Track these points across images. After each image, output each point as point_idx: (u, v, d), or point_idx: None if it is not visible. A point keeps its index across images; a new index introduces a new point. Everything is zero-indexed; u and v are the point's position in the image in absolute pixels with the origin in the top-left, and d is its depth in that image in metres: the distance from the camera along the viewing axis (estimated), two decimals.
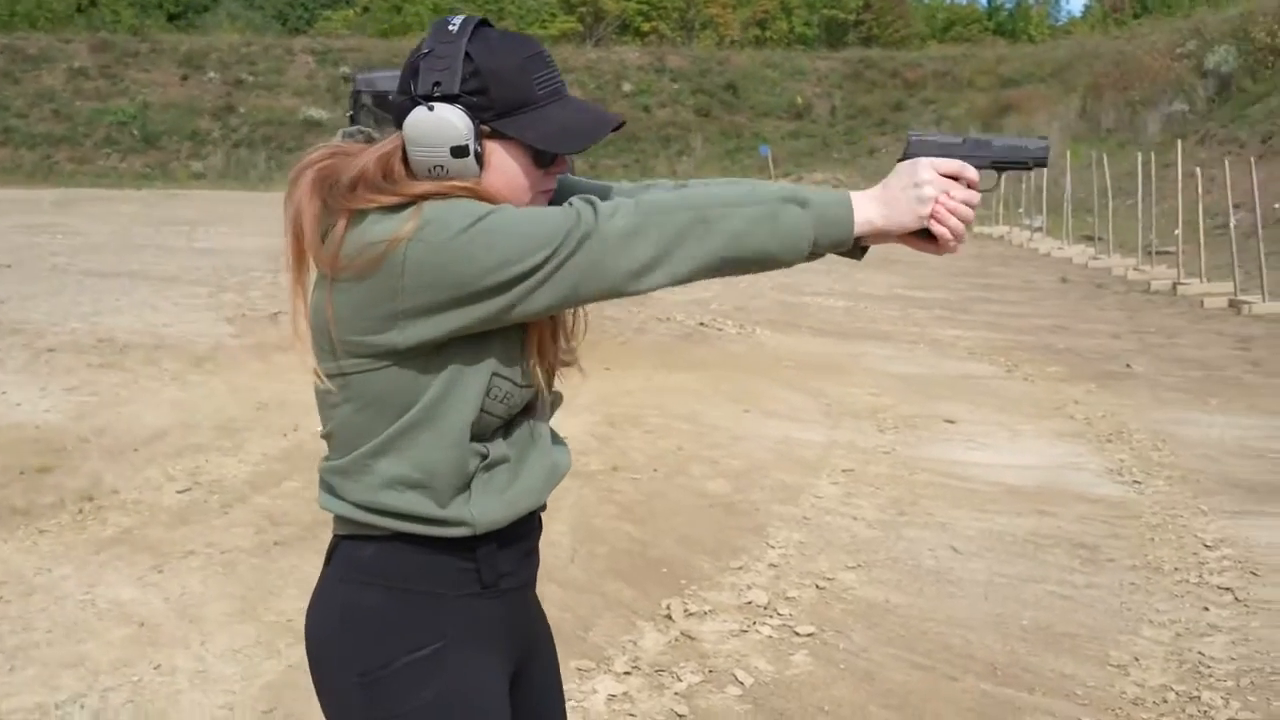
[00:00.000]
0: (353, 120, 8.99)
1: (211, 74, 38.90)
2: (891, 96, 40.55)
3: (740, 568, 4.72)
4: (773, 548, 4.95)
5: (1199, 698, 3.64)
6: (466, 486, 1.61)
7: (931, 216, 1.62)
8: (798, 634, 4.09)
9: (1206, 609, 4.34)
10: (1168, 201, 15.80)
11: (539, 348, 1.65)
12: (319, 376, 1.62)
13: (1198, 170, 13.55)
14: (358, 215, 1.54)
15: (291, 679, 3.72)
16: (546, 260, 1.48)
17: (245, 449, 6.39)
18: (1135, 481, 5.95)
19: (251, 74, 39.20)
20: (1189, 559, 4.86)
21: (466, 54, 1.55)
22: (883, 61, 42.93)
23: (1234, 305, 11.86)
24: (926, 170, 1.61)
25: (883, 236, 1.64)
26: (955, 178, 1.64)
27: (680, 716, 3.54)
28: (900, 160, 1.65)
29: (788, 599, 4.41)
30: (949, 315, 11.53)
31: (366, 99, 8.91)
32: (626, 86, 41.83)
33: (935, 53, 44.50)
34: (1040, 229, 20.16)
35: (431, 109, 1.54)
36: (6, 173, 33.40)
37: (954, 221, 1.63)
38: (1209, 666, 3.86)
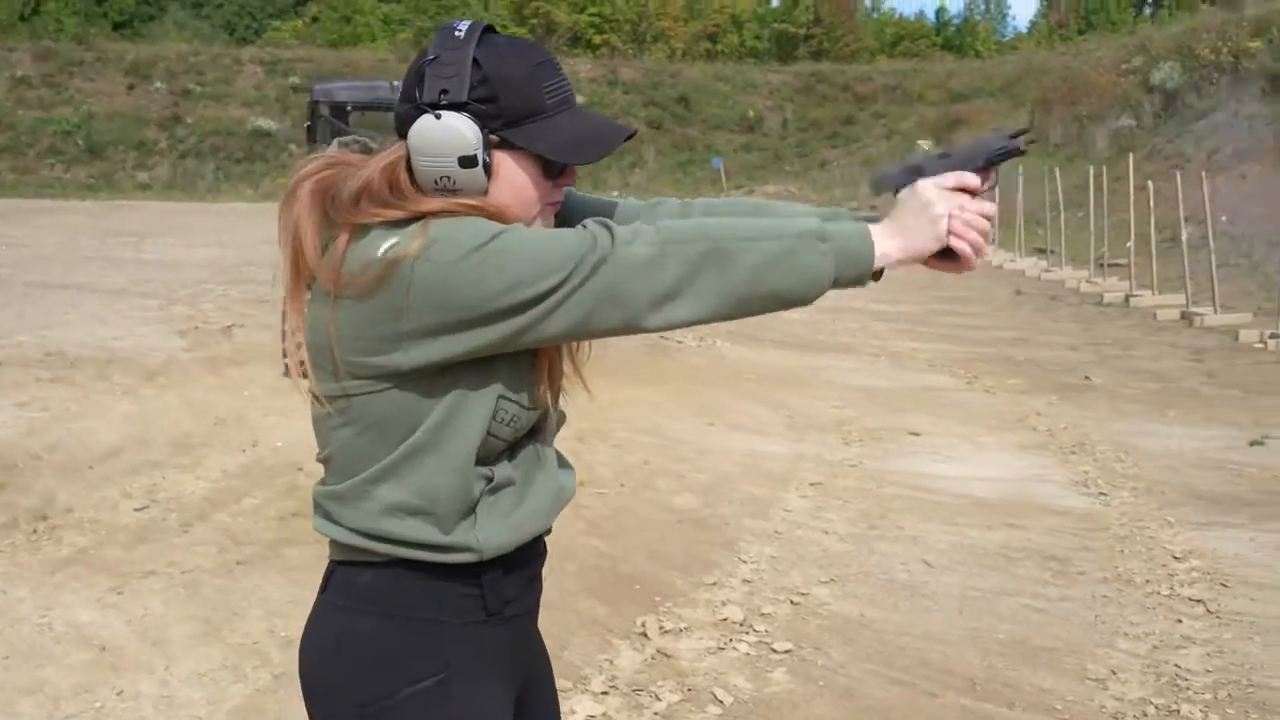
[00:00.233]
0: (309, 131, 8.84)
1: (158, 84, 38.37)
2: (842, 110, 40.82)
3: (714, 583, 4.67)
4: (745, 563, 4.91)
5: (1178, 711, 3.63)
6: (471, 511, 1.54)
7: (950, 233, 1.57)
8: (775, 651, 4.05)
9: (1180, 621, 4.35)
10: (1117, 215, 15.98)
11: (549, 371, 1.59)
12: (318, 399, 1.55)
13: (1149, 184, 13.72)
14: (360, 230, 1.48)
15: (259, 703, 3.62)
16: (561, 284, 1.41)
17: (203, 465, 6.26)
18: (1101, 493, 5.97)
19: (199, 84, 38.71)
20: (1159, 571, 4.88)
21: (475, 61, 1.49)
22: (834, 75, 43.23)
23: (1186, 317, 12.00)
24: (930, 190, 1.56)
25: (904, 264, 1.59)
26: (958, 190, 1.60)
27: None
28: (895, 192, 1.60)
29: (763, 615, 4.36)
30: (908, 328, 11.58)
31: (324, 109, 8.77)
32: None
33: (885, 67, 44.86)
34: (993, 242, 20.31)
35: (439, 117, 1.47)
36: None
37: (973, 235, 1.57)
38: (1186, 679, 3.86)
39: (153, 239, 20.00)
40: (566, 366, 1.65)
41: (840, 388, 8.63)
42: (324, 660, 1.58)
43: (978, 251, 1.59)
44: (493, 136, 1.50)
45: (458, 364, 1.47)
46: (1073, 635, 4.22)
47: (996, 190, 1.62)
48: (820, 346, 9.95)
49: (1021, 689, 3.79)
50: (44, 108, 36.79)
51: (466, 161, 1.48)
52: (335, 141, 1.64)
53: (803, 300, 1.53)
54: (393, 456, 1.51)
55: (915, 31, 62.61)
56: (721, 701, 3.68)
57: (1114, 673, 3.91)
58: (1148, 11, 59.53)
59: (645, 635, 4.15)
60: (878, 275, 1.58)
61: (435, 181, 1.49)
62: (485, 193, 1.52)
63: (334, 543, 1.59)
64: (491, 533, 1.54)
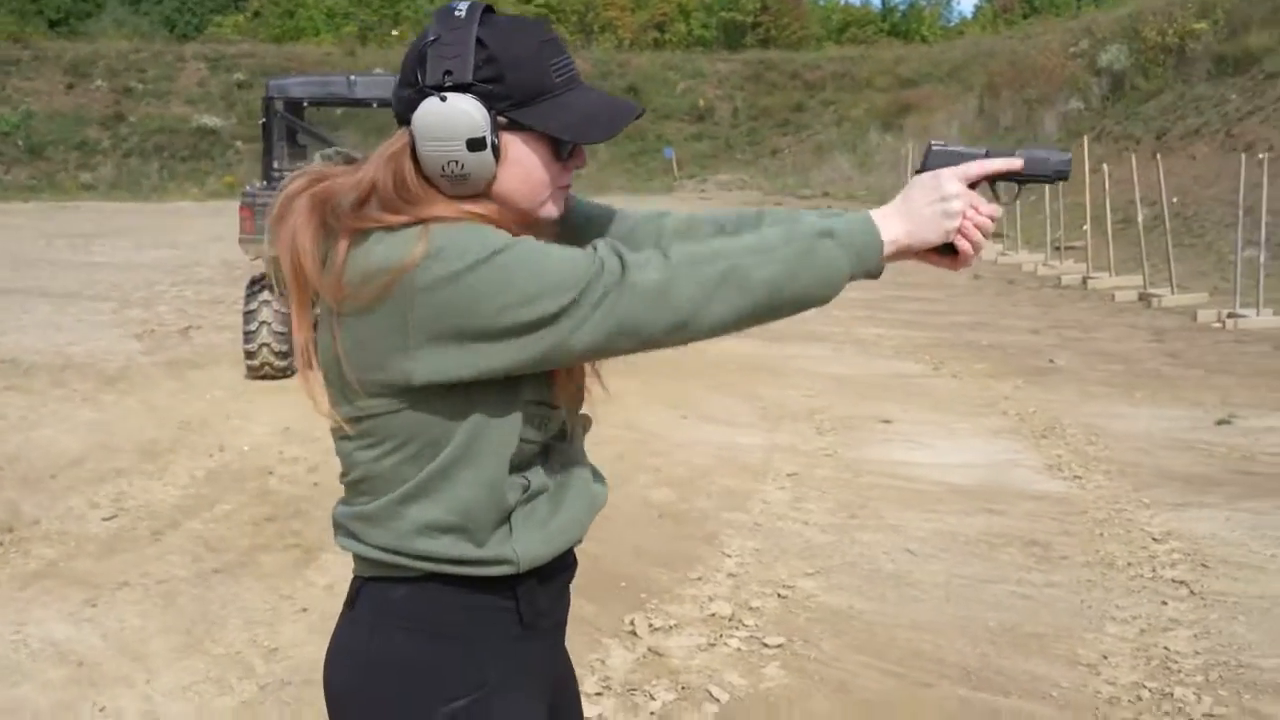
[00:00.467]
0: (265, 128, 8.69)
1: (99, 82, 37.70)
2: (792, 98, 40.89)
3: (699, 579, 4.64)
4: (728, 556, 4.88)
5: (1171, 694, 3.64)
6: (506, 521, 1.50)
7: (958, 231, 1.54)
8: (767, 645, 4.02)
9: (1165, 603, 4.37)
10: (1070, 197, 16.11)
11: (570, 369, 1.54)
12: (337, 422, 1.50)
13: (1104, 166, 13.84)
14: (359, 236, 1.42)
15: (247, 716, 3.54)
16: (570, 305, 1.36)
17: (170, 472, 6.14)
18: (1076, 477, 6.00)
19: (141, 81, 38.08)
20: (1140, 553, 4.90)
21: (479, 40, 1.43)
22: (782, 63, 43.30)
23: (1144, 298, 12.12)
24: (953, 183, 1.53)
25: (903, 254, 1.55)
26: (978, 182, 1.57)
27: None
28: (918, 172, 1.56)
29: (751, 609, 4.33)
30: (869, 314, 11.60)
31: (279, 106, 8.63)
32: None
33: (834, 54, 45.01)
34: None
35: (444, 99, 1.41)
36: None
37: (977, 236, 1.55)
38: (1176, 662, 3.87)
39: (101, 240, 19.66)
40: (586, 366, 1.59)
41: (809, 376, 8.62)
42: (356, 680, 1.53)
43: (977, 251, 1.57)
44: (500, 118, 1.45)
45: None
46: (1061, 621, 4.23)
47: (1016, 200, 1.59)
48: (785, 335, 9.94)
49: (1015, 677, 3.78)
50: None
51: (475, 144, 1.42)
52: (318, 155, 1.59)
53: (822, 300, 1.50)
54: (422, 476, 1.46)
55: (862, 18, 62.84)
56: (717, 699, 3.64)
57: (1105, 657, 3.92)
58: None
59: (635, 633, 4.11)
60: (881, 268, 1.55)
61: (443, 168, 1.43)
62: (494, 178, 1.46)
63: (360, 559, 1.54)
64: (528, 544, 1.49)
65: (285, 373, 8.38)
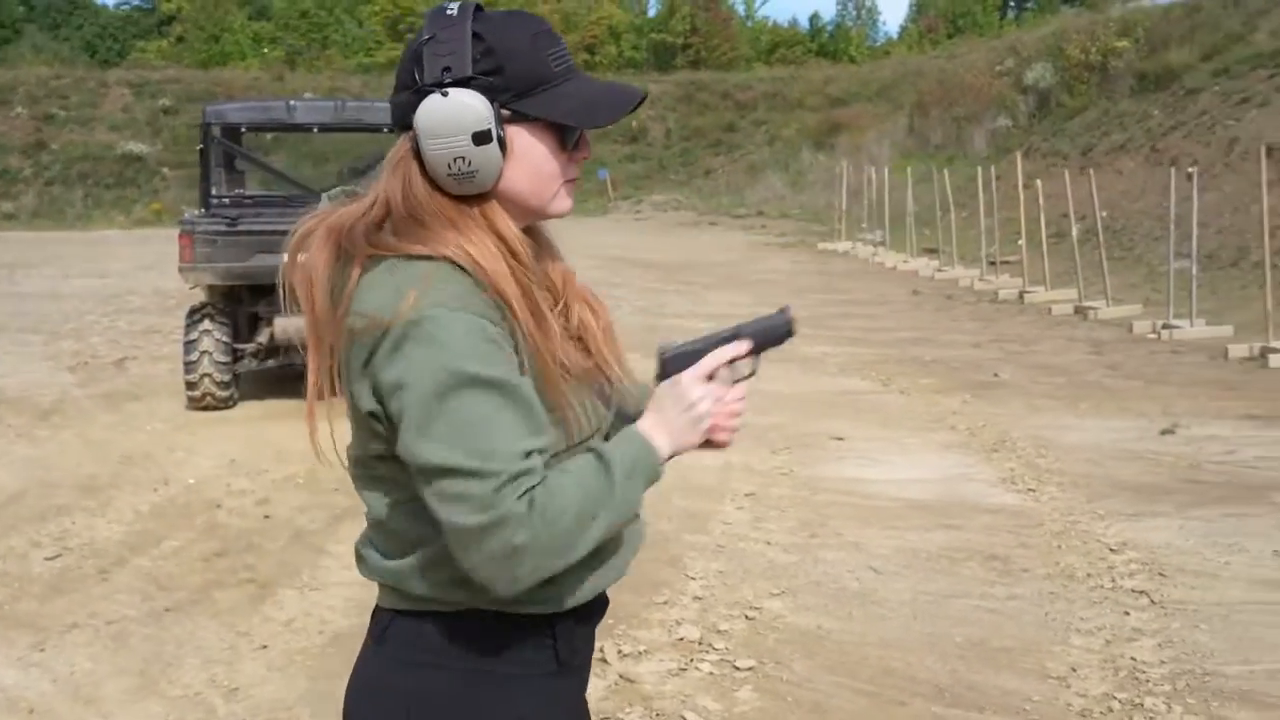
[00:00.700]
0: (202, 155, 8.54)
1: (19, 109, 36.91)
2: (724, 118, 41.15)
3: (665, 602, 4.60)
4: (693, 579, 4.84)
5: (1142, 705, 3.67)
6: None
7: (712, 428, 1.54)
8: (738, 668, 3.99)
9: (1127, 614, 4.40)
10: (1002, 213, 16.36)
11: (571, 408, 1.48)
12: (350, 463, 1.47)
13: (1038, 183, 14.07)
14: (371, 263, 1.40)
15: None
16: (470, 478, 1.30)
17: (113, 507, 5.98)
18: (1029, 489, 6.05)
19: (63, 108, 37.35)
20: (1098, 564, 4.94)
21: (474, 34, 1.41)
22: (714, 84, 43.57)
23: (1080, 311, 12.31)
24: (694, 388, 1.52)
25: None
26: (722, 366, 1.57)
27: None
28: (659, 379, 1.55)
29: (720, 632, 4.30)
30: (811, 332, 11.63)
31: (216, 131, 8.49)
32: None
33: (764, 74, 45.43)
34: (883, 243, 20.66)
35: (446, 94, 1.38)
36: None
37: (733, 424, 1.57)
38: (1144, 672, 3.90)
39: (25, 270, 19.21)
40: (593, 395, 1.54)
41: (757, 394, 8.54)
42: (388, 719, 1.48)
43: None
44: (504, 110, 1.42)
45: None
46: (1027, 634, 4.25)
47: (757, 368, 1.60)
48: None
49: (987, 692, 3.78)
50: None
51: (481, 137, 1.39)
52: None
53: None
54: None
55: (790, 39, 63.53)
56: None
57: (1074, 669, 3.94)
58: (1011, 15, 61.39)
59: (605, 660, 4.05)
60: None
61: (449, 166, 1.39)
62: (500, 176, 1.43)
63: (390, 589, 1.48)
64: (571, 586, 1.45)
65: (227, 403, 8.22)
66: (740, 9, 64.29)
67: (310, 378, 1.45)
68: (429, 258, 1.38)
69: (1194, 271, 10.82)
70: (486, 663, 1.45)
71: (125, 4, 66.24)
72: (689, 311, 13.20)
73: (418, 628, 1.46)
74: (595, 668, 3.99)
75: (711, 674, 3.95)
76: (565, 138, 1.47)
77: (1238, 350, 9.49)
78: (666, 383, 1.53)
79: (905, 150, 28.62)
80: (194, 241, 7.94)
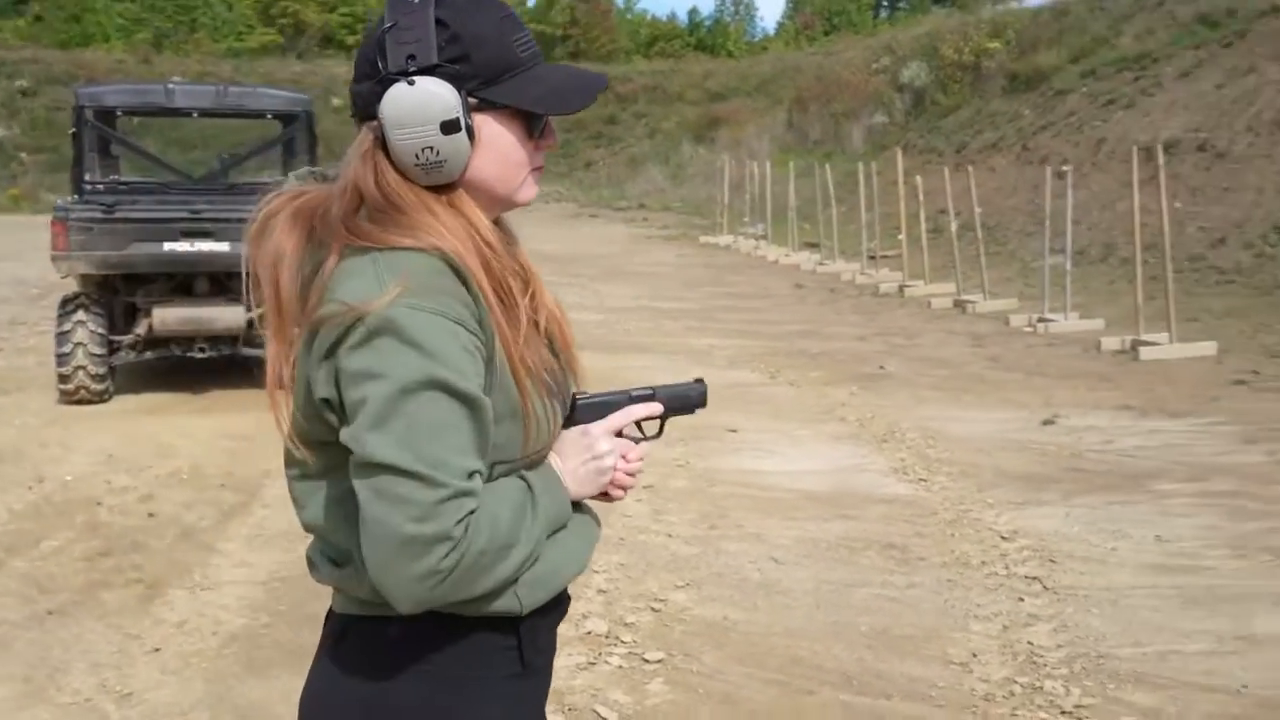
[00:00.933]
0: (75, 139, 8.20)
1: None
2: (605, 110, 41.11)
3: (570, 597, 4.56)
4: (597, 572, 4.81)
5: (1042, 688, 3.76)
6: None
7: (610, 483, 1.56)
8: (647, 661, 3.98)
9: (1022, 600, 4.52)
10: (881, 208, 16.66)
11: (534, 415, 1.44)
12: (300, 451, 1.40)
13: (918, 179, 14.37)
14: (351, 250, 1.35)
15: None
16: (417, 482, 1.25)
17: None
18: (921, 479, 6.17)
19: None
20: (991, 552, 5.06)
21: (438, 20, 1.36)
22: None
23: (959, 305, 12.62)
24: (603, 441, 1.52)
25: None
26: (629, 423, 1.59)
27: None
28: (564, 424, 1.53)
29: (627, 625, 4.29)
30: (699, 325, 11.73)
31: (90, 115, 8.16)
32: (336, 101, 40.59)
33: (644, 67, 45.55)
34: (764, 237, 20.89)
35: (412, 83, 1.34)
36: None
37: (629, 481, 1.58)
38: (1041, 656, 4.01)
39: None
40: (554, 398, 1.51)
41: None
42: None
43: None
44: (471, 98, 1.38)
45: None
46: (927, 621, 4.33)
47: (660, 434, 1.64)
48: (619, 347, 9.96)
49: (894, 679, 3.84)
50: None
51: (449, 126, 1.35)
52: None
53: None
54: None
55: (669, 32, 63.87)
56: (605, 719, 3.58)
57: (975, 655, 4.02)
58: (884, 15, 62.66)
59: None
60: None
61: (417, 156, 1.36)
62: (468, 165, 1.40)
63: (345, 594, 1.43)
64: (533, 586, 1.42)
65: (102, 397, 7.93)
66: (619, 2, 64.43)
67: (270, 365, 1.40)
68: (412, 249, 1.34)
69: (1068, 267, 11.17)
70: (449, 667, 1.41)
71: None
72: (579, 304, 13.13)
73: (376, 631, 1.41)
74: None
75: (621, 667, 3.93)
76: (532, 125, 1.44)
77: (1110, 343, 9.83)
78: (575, 430, 1.52)
79: (784, 145, 29.00)
80: (68, 229, 7.63)
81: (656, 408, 1.59)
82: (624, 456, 1.54)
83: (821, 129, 28.14)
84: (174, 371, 8.67)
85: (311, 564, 1.48)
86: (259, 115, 8.72)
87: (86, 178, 8.18)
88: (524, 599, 1.41)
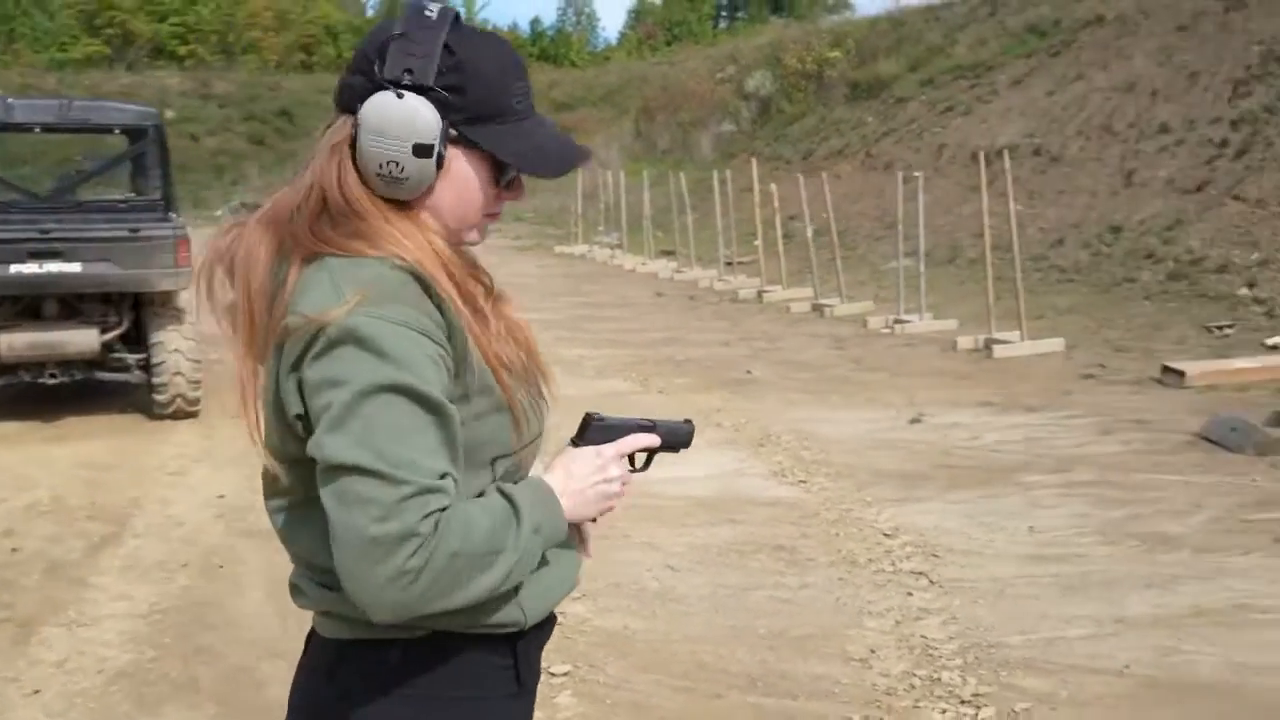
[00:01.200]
0: None
1: None
2: None
3: None
4: None
5: (940, 679, 3.88)
6: None
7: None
8: (554, 674, 3.97)
9: (911, 594, 4.65)
10: (738, 213, 16.93)
11: (522, 411, 1.45)
12: (274, 468, 1.37)
13: (773, 186, 14.64)
14: (312, 258, 1.35)
15: None
16: (377, 480, 1.23)
17: None
18: (800, 481, 6.30)
19: None
20: (876, 549, 5.19)
21: (447, 45, 1.36)
22: None
23: (817, 308, 12.90)
24: (613, 465, 1.50)
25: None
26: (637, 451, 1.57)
27: None
28: (574, 443, 1.52)
29: None
30: (569, 335, 11.73)
31: None
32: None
33: None
34: (620, 245, 21.01)
35: (400, 96, 1.34)
36: None
37: (615, 507, 1.57)
38: (935, 648, 4.13)
39: None
40: (533, 396, 1.50)
41: None
42: None
43: None
44: (452, 130, 1.38)
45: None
46: (823, 620, 4.42)
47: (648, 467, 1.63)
48: None
49: (798, 679, 3.91)
50: None
51: (421, 150, 1.35)
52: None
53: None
54: None
55: (512, 42, 63.64)
56: None
57: (873, 651, 4.12)
58: (723, 25, 63.66)
59: None
60: None
61: (381, 165, 1.35)
62: (431, 190, 1.39)
63: (336, 618, 1.40)
64: (534, 599, 1.42)
65: None
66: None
67: (241, 377, 1.40)
68: (374, 258, 1.33)
69: (921, 269, 11.54)
70: (451, 688, 1.40)
71: None
72: None
73: (376, 656, 1.39)
74: None
75: None
76: (501, 173, 1.44)
77: (965, 342, 10.19)
78: (590, 450, 1.50)
79: (633, 154, 29.21)
80: None
81: (655, 440, 1.57)
82: (625, 483, 1.52)
83: (670, 138, 28.44)
84: (23, 399, 8.28)
85: (297, 590, 1.45)
86: (106, 130, 8.40)
87: None
88: (528, 611, 1.41)
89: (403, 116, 1.33)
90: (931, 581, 4.78)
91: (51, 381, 7.79)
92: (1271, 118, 12.74)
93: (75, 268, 7.48)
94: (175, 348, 7.67)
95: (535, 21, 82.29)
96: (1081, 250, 13.42)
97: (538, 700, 3.69)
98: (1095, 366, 9.07)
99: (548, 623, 1.52)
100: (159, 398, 7.78)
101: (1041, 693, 3.75)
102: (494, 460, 1.40)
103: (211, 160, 37.57)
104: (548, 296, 14.49)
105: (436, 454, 1.26)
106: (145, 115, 8.47)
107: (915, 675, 3.92)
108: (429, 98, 1.34)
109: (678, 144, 27.93)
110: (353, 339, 1.25)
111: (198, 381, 7.86)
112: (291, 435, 1.34)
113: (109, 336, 7.79)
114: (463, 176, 1.40)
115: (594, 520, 1.54)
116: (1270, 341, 9.08)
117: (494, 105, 1.39)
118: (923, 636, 4.23)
